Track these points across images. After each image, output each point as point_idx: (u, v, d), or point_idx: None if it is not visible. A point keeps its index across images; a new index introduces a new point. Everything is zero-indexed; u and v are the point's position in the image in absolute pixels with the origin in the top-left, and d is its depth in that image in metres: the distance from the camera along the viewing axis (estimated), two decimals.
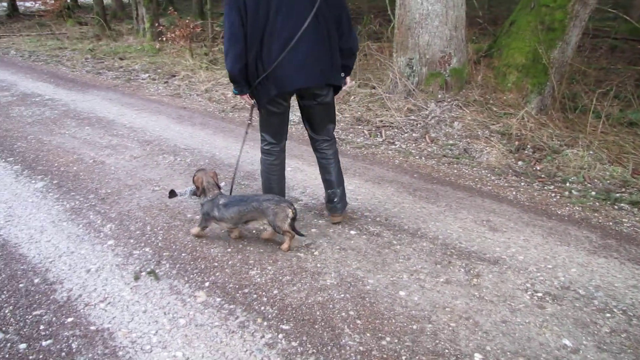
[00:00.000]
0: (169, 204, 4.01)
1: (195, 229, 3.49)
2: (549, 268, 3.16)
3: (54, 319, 2.69)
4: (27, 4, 22.54)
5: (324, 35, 3.07)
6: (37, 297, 2.88)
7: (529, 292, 2.91)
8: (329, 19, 3.07)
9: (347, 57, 3.30)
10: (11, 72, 9.99)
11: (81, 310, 2.75)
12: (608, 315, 2.72)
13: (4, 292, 2.92)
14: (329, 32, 3.09)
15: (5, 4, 23.38)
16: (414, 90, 6.39)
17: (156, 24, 12.56)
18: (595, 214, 3.97)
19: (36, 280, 3.03)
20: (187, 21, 10.65)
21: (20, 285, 2.98)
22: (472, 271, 3.11)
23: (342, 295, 2.86)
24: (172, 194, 3.56)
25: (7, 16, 21.65)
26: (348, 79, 3.42)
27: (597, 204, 4.16)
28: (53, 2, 18.36)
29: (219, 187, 3.46)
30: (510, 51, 6.33)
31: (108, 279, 3.04)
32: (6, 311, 2.75)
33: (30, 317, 2.70)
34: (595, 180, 4.54)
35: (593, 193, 4.32)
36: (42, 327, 2.63)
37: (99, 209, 3.96)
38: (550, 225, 3.74)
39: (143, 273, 3.09)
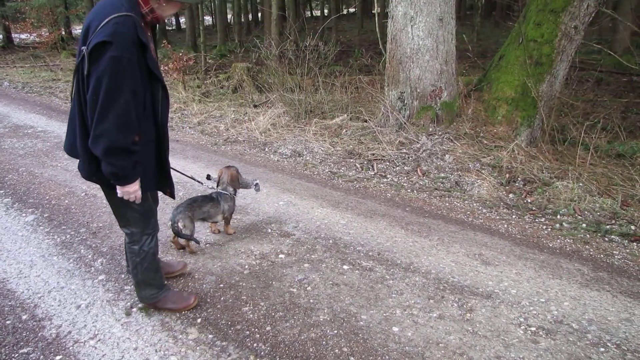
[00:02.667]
0: (160, 239, 3.97)
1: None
2: (542, 302, 3.16)
3: (41, 357, 2.64)
4: (22, 36, 22.71)
5: (76, 109, 2.47)
6: (24, 334, 2.83)
7: (523, 327, 2.90)
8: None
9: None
10: (4, 103, 10.01)
11: (70, 348, 2.71)
12: (602, 349, 2.71)
13: None
14: (81, 108, 2.43)
15: (0, 36, 23.59)
16: (405, 123, 6.47)
17: None
18: (587, 246, 4.00)
19: (24, 317, 2.98)
20: (180, 54, 10.78)
21: (7, 322, 2.94)
22: (465, 306, 3.10)
23: (335, 332, 2.83)
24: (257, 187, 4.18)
25: (2, 48, 21.85)
26: (121, 188, 2.51)
27: (588, 236, 4.18)
28: (47, 34, 18.56)
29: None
30: (500, 85, 6.44)
31: (98, 315, 3.00)
32: None
33: (17, 355, 2.65)
34: (586, 212, 4.58)
35: (584, 225, 4.35)
36: None
37: (90, 243, 3.93)
38: (542, 258, 3.75)
39: (134, 309, 3.05)
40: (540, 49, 6.06)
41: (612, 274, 3.53)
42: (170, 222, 3.59)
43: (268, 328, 2.87)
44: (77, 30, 31.20)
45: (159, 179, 2.78)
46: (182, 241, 3.78)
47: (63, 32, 21.40)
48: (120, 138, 2.31)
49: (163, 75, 2.69)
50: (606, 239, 4.13)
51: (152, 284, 2.97)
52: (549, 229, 4.31)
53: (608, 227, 4.29)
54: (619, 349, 2.71)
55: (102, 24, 2.23)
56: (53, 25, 18.68)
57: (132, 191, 2.52)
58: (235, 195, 4.02)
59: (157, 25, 2.75)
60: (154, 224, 2.89)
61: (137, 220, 2.78)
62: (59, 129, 7.79)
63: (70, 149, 2.66)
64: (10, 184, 5.25)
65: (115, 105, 2.26)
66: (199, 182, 3.82)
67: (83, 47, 2.31)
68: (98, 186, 5.03)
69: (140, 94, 2.38)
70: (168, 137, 2.76)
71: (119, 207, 2.73)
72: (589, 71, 10.06)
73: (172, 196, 2.92)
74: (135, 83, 2.31)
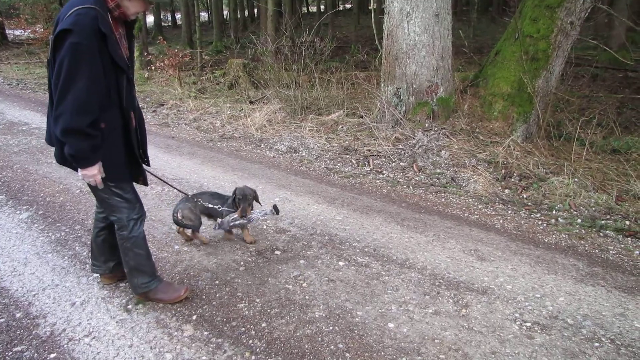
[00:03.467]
0: (156, 236, 3.97)
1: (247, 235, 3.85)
2: (537, 297, 3.16)
3: (35, 355, 2.63)
4: (17, 32, 22.61)
5: (50, 98, 2.60)
6: (18, 332, 2.82)
7: (518, 322, 2.90)
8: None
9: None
10: None
11: (65, 346, 2.70)
12: (597, 344, 2.72)
13: None
14: (52, 96, 2.55)
15: None
16: (401, 119, 6.46)
17: (145, 53, 12.66)
18: (582, 242, 4.00)
19: (18, 315, 2.97)
20: (176, 50, 10.75)
21: (1, 320, 2.92)
22: (460, 302, 3.11)
23: (331, 328, 2.83)
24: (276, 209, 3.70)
25: None
26: (81, 171, 2.57)
27: (583, 231, 4.19)
28: (42, 30, 18.45)
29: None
30: (496, 80, 6.44)
31: (93, 313, 2.99)
32: None
33: (11, 353, 2.64)
34: (581, 207, 4.58)
35: (579, 220, 4.36)
36: None
37: (85, 240, 3.91)
38: (537, 254, 3.76)
39: (129, 306, 3.05)
40: (536, 44, 6.06)
41: (606, 269, 3.54)
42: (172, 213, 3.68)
43: (264, 325, 2.87)
44: None
45: (131, 169, 2.83)
46: (188, 232, 3.82)
47: None
48: (77, 120, 2.39)
49: (139, 69, 2.80)
50: (601, 234, 4.14)
51: (143, 271, 2.99)
52: (545, 225, 4.32)
53: (603, 222, 4.30)
54: (613, 344, 2.72)
55: (67, 15, 2.38)
56: (47, 21, 18.57)
57: (90, 174, 2.58)
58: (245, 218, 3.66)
59: (134, 21, 2.77)
60: (139, 208, 2.93)
61: (121, 206, 2.83)
62: None
63: (49, 138, 2.77)
64: (4, 181, 5.22)
65: (73, 88, 2.36)
66: (184, 194, 3.69)
67: (50, 37, 2.45)
68: None
69: (101, 80, 2.46)
70: (133, 124, 2.79)
71: (100, 194, 2.80)
72: (585, 67, 10.08)
73: (145, 184, 2.99)
74: (93, 69, 2.40)
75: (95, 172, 2.58)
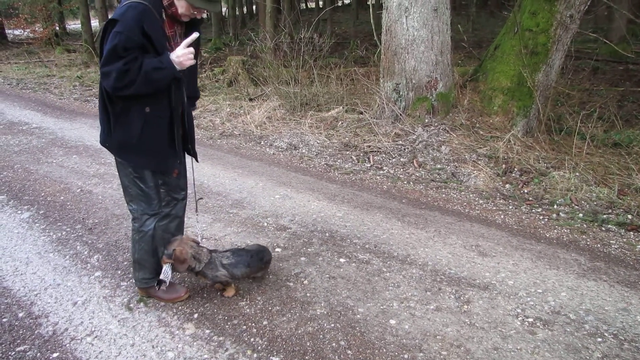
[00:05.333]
0: None
1: (230, 290, 3.13)
2: (539, 293, 3.16)
3: (38, 354, 2.63)
4: (16, 32, 22.59)
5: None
6: (21, 332, 2.82)
7: (520, 318, 2.90)
8: None
9: None
10: None
11: (67, 345, 2.70)
12: (599, 339, 2.71)
13: None
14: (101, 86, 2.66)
15: None
16: (401, 115, 6.45)
17: None
18: (583, 236, 4.00)
19: (20, 315, 2.97)
20: None
21: (4, 320, 2.93)
22: (462, 297, 3.10)
23: (332, 325, 2.83)
24: (160, 283, 2.96)
25: None
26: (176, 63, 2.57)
27: (585, 225, 4.19)
28: (42, 30, 18.45)
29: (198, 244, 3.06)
30: (496, 75, 6.42)
31: (95, 312, 2.99)
32: None
33: (14, 353, 2.64)
34: (582, 201, 4.57)
35: (580, 215, 4.35)
36: None
37: (86, 240, 3.92)
38: (539, 249, 3.75)
39: (131, 304, 3.05)
40: (536, 38, 6.04)
41: (609, 264, 3.53)
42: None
43: (265, 322, 2.87)
44: (71, 25, 31.04)
45: (164, 159, 2.84)
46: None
47: (57, 28, 21.24)
48: (117, 86, 2.47)
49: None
50: (603, 228, 4.13)
51: (146, 267, 3.01)
52: (546, 219, 4.31)
53: (605, 216, 4.29)
54: (616, 339, 2.71)
55: (120, 6, 2.48)
56: (47, 20, 18.57)
57: (182, 61, 2.54)
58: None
59: (198, 21, 2.78)
60: (157, 206, 2.90)
61: (139, 197, 2.86)
62: (54, 125, 7.75)
63: (101, 137, 2.86)
64: (5, 181, 5.22)
65: (111, 67, 2.44)
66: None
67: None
68: (94, 182, 5.07)
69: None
70: (181, 123, 2.86)
71: (124, 180, 2.85)
72: (585, 60, 10.05)
73: (179, 177, 3.01)
74: (129, 59, 2.42)
75: (181, 55, 2.53)
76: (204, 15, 2.66)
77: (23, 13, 18.88)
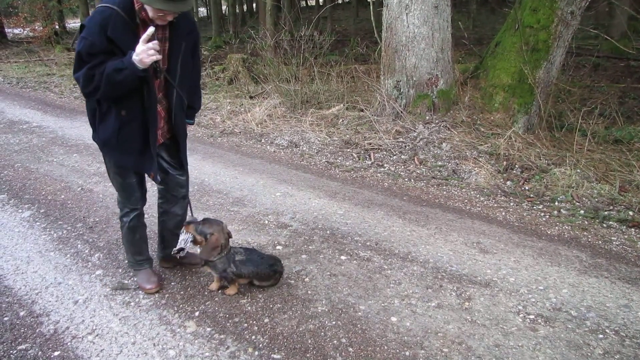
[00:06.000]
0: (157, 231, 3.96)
1: (232, 288, 3.13)
2: (540, 289, 3.15)
3: (39, 353, 2.63)
4: (16, 31, 22.58)
5: None
6: (22, 330, 2.82)
7: (521, 315, 2.90)
8: None
9: None
10: None
11: (68, 344, 2.70)
12: (601, 336, 2.71)
13: None
14: None
15: None
16: (401, 112, 6.44)
17: None
18: (585, 233, 3.99)
19: (22, 313, 2.97)
20: None
21: (5, 318, 2.93)
22: (463, 295, 3.10)
23: (334, 323, 2.83)
24: (180, 250, 3.02)
25: None
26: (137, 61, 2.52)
27: (586, 222, 4.18)
28: (41, 28, 18.43)
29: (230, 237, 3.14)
30: (496, 72, 6.40)
31: (96, 310, 2.99)
32: None
33: (15, 352, 2.64)
34: (584, 198, 4.57)
35: (582, 212, 4.35)
36: None
37: (87, 238, 3.92)
38: (540, 246, 3.75)
39: (132, 303, 3.05)
40: (537, 35, 6.02)
41: (610, 260, 3.53)
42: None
43: (266, 320, 2.87)
44: (71, 24, 31.02)
45: (142, 160, 2.85)
46: None
47: (57, 26, 21.23)
48: (85, 90, 2.54)
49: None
50: (604, 225, 4.12)
51: (129, 252, 3.25)
52: (547, 216, 4.31)
53: (606, 213, 4.29)
54: (617, 335, 2.71)
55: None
56: (46, 19, 18.55)
57: (142, 59, 2.42)
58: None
59: (184, 24, 2.72)
60: (135, 202, 3.03)
61: (120, 191, 3.01)
62: (54, 124, 7.75)
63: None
64: (5, 180, 5.22)
65: (77, 74, 2.50)
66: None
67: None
68: (94, 181, 5.07)
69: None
70: (157, 122, 2.81)
71: (109, 173, 2.98)
72: (586, 57, 10.03)
73: (156, 180, 2.97)
74: (94, 64, 2.45)
75: (140, 52, 2.41)
76: (169, 18, 2.52)
77: (22, 12, 18.87)
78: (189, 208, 3.28)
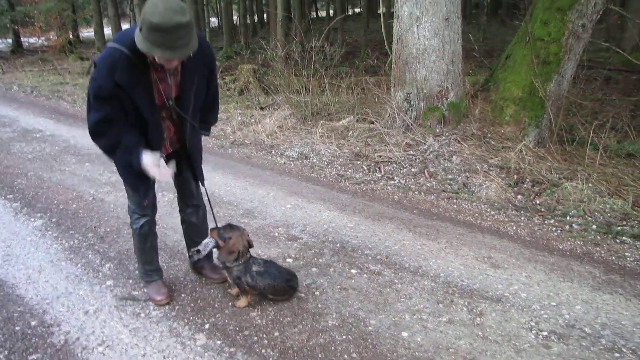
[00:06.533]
0: (168, 243, 3.98)
1: (243, 300, 3.13)
2: (553, 305, 3.12)
3: None
4: (31, 40, 22.91)
5: None
6: (33, 340, 2.83)
7: (534, 331, 2.87)
8: None
9: None
10: (13, 107, 10.08)
11: (79, 354, 2.71)
12: (617, 355, 2.67)
13: None
14: None
15: (10, 40, 23.81)
16: (412, 124, 6.44)
17: None
18: (597, 248, 3.95)
19: (33, 323, 2.99)
20: None
21: (17, 328, 2.94)
22: (474, 310, 3.07)
23: (344, 337, 2.81)
24: (198, 252, 3.05)
25: (11, 52, 22.03)
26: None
27: (599, 237, 4.14)
28: (56, 37, 18.68)
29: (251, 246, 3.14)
30: (507, 85, 6.39)
31: (106, 321, 3.00)
32: (1, 356, 2.70)
33: None
34: (596, 213, 4.53)
35: (594, 227, 4.31)
36: None
37: (98, 248, 3.94)
38: (552, 261, 3.71)
39: (142, 314, 3.05)
40: (548, 47, 6.01)
41: (624, 277, 3.49)
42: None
43: (276, 333, 2.86)
44: (85, 33, 31.40)
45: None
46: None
47: (71, 36, 21.52)
48: (95, 141, 2.67)
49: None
50: (617, 240, 4.08)
51: (139, 261, 3.26)
52: (559, 231, 4.27)
53: (619, 228, 4.24)
54: (635, 355, 2.67)
55: (104, 47, 2.54)
56: (61, 28, 18.81)
57: (150, 172, 2.66)
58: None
59: (200, 57, 2.68)
60: (145, 209, 3.03)
61: (129, 196, 3.05)
62: (67, 132, 7.82)
63: None
64: (19, 188, 5.27)
65: (89, 117, 2.57)
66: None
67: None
68: (106, 190, 5.11)
69: (115, 117, 2.56)
70: (160, 144, 2.86)
71: (119, 170, 3.01)
72: (598, 69, 9.96)
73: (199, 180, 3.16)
74: (104, 116, 2.54)
75: (150, 169, 2.64)
76: (175, 63, 2.50)
77: (38, 21, 19.14)
78: (213, 219, 3.29)
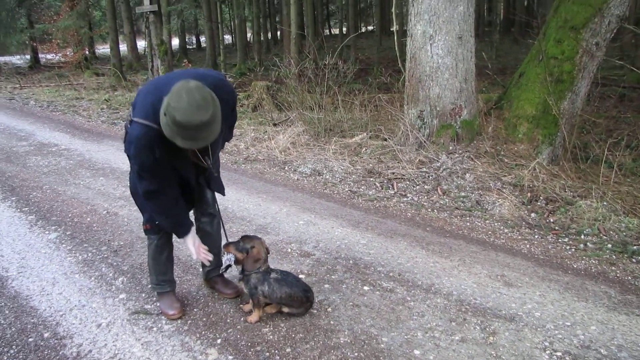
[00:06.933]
0: (180, 257, 3.99)
1: (255, 315, 3.12)
2: (568, 325, 3.08)
3: None
4: (49, 56, 23.36)
5: None
6: (46, 352, 2.85)
7: (548, 351, 2.83)
8: None
9: None
10: (30, 122, 10.25)
11: None
12: None
13: (13, 346, 2.90)
14: None
15: (28, 57, 24.31)
16: (425, 142, 6.44)
17: None
18: (613, 268, 3.90)
19: (46, 335, 3.01)
20: None
21: (30, 339, 2.96)
22: (487, 329, 3.04)
23: (356, 354, 2.80)
24: (227, 267, 3.22)
25: (29, 68, 22.48)
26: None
27: (614, 257, 4.09)
28: (72, 54, 19.02)
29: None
30: (520, 102, 6.39)
31: (119, 334, 3.01)
32: None
33: None
34: (611, 232, 4.48)
35: (609, 245, 4.26)
36: None
37: (111, 262, 3.96)
38: (566, 280, 3.67)
39: (154, 328, 3.06)
40: (561, 66, 6.01)
41: None
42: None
43: (288, 350, 2.85)
44: (100, 49, 31.96)
45: None
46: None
47: (87, 52, 21.91)
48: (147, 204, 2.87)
49: None
50: (633, 260, 4.03)
51: (152, 273, 3.26)
52: (573, 250, 4.23)
53: (635, 247, 4.19)
54: None
55: (135, 120, 2.55)
56: (77, 45, 19.15)
57: (194, 249, 2.97)
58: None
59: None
60: (157, 226, 3.07)
61: (142, 211, 3.11)
62: (82, 147, 7.93)
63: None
64: (34, 201, 5.33)
65: (141, 185, 2.73)
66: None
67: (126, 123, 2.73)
68: (119, 204, 5.15)
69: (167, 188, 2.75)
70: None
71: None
72: (612, 87, 9.93)
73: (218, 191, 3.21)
74: (156, 181, 2.68)
75: (190, 247, 2.95)
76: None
77: (56, 38, 19.52)
78: (223, 233, 3.34)
